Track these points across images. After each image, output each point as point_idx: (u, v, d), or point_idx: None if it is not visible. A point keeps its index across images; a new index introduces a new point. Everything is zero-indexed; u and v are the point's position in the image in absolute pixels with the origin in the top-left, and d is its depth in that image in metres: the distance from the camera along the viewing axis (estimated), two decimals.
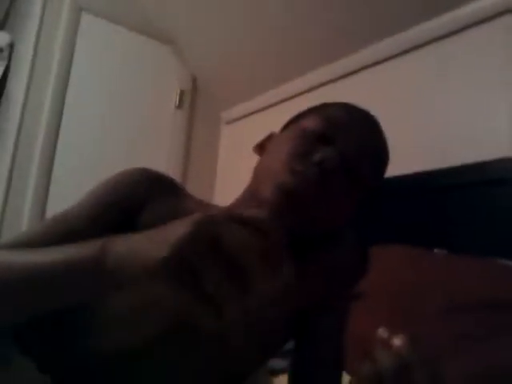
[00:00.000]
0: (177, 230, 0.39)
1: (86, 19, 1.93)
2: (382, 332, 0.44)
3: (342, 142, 0.65)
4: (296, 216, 0.62)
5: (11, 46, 1.87)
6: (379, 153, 0.71)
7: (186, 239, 0.38)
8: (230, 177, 2.16)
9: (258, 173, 0.72)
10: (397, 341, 0.43)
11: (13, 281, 0.49)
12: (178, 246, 0.38)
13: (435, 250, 1.10)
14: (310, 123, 0.68)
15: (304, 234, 0.65)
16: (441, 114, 1.39)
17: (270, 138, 0.77)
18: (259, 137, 0.79)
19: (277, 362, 0.87)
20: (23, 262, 0.49)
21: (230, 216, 0.40)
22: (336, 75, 1.73)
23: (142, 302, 0.57)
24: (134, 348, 0.58)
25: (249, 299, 0.40)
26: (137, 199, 0.67)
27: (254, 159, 0.78)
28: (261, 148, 0.76)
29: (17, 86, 1.81)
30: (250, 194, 0.69)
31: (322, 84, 1.78)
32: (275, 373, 0.88)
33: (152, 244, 0.41)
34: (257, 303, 0.54)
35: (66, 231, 0.62)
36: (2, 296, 0.48)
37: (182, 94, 2.19)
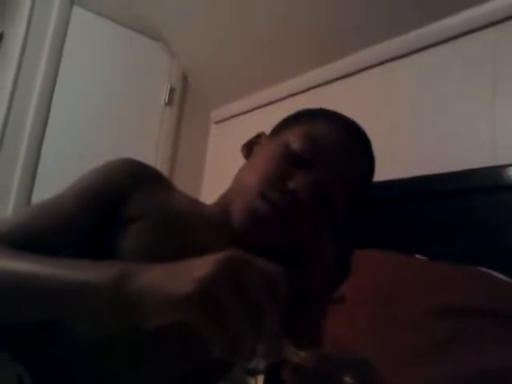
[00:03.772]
0: (201, 268, 0.39)
1: (77, 13, 1.91)
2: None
3: (320, 169, 0.66)
4: (264, 242, 0.64)
5: (1, 36, 1.84)
6: (358, 181, 0.70)
7: (210, 278, 0.38)
8: (218, 177, 2.16)
9: (237, 182, 0.73)
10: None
11: (16, 289, 0.49)
12: (202, 283, 0.38)
13: (416, 256, 1.12)
14: (293, 140, 0.68)
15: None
16: (428, 121, 1.41)
17: (258, 138, 0.78)
18: (248, 138, 0.80)
19: (253, 362, 0.87)
20: (30, 270, 0.49)
21: (251, 262, 0.41)
22: (328, 78, 1.74)
23: None
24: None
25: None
26: (122, 189, 0.66)
27: (242, 160, 0.78)
28: (248, 149, 0.77)
29: (3, 81, 1.78)
30: (226, 203, 0.70)
31: (313, 87, 1.79)
32: (253, 373, 0.88)
33: (175, 280, 0.41)
34: None
35: (51, 218, 0.62)
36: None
37: (171, 91, 2.18)
